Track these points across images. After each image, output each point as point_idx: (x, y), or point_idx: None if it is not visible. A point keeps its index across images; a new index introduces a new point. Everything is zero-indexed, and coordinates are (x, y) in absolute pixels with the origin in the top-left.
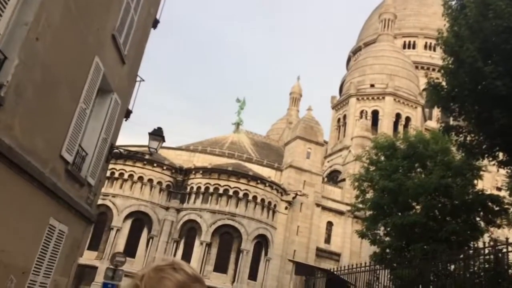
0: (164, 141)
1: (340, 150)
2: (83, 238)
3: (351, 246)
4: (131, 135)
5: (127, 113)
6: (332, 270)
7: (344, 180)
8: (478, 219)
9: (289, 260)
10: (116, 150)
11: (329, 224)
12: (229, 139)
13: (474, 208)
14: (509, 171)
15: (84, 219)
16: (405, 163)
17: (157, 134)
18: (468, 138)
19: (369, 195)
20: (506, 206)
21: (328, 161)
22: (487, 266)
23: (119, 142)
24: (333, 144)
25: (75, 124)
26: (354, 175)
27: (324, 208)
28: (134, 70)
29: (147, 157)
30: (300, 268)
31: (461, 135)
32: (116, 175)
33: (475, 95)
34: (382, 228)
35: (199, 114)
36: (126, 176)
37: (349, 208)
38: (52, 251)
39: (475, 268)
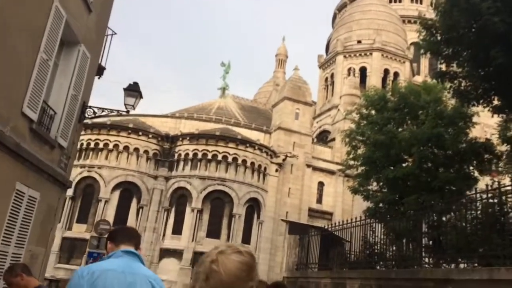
0: (141, 97)
1: (329, 109)
2: (59, 204)
3: (343, 205)
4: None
5: (100, 70)
6: (326, 227)
7: (334, 139)
8: (471, 168)
9: (282, 220)
10: (90, 109)
11: (320, 184)
12: (215, 104)
13: (467, 157)
14: (503, 117)
15: (58, 184)
16: (397, 115)
17: (133, 90)
18: (463, 84)
19: (360, 151)
20: (497, 152)
21: (317, 122)
22: (490, 210)
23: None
24: (321, 104)
25: (36, 76)
26: (345, 131)
27: (315, 168)
28: (103, 21)
29: (130, 125)
30: (294, 228)
31: (455, 81)
32: (101, 145)
33: (471, 35)
34: (375, 184)
35: (183, 81)
36: (111, 146)
37: (339, 167)
38: (23, 219)
39: (477, 213)
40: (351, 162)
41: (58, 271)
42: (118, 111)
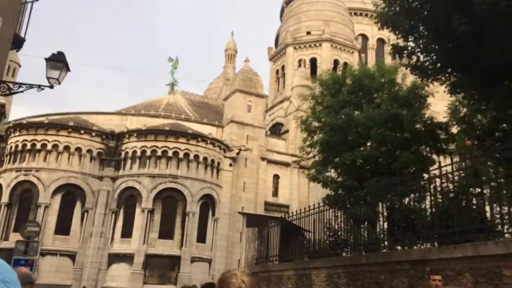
0: (68, 69)
1: (281, 102)
2: None
3: (299, 197)
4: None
5: (18, 41)
6: (285, 217)
7: (287, 131)
8: (427, 149)
9: (239, 213)
10: (3, 85)
11: (276, 177)
12: (164, 100)
13: (424, 138)
14: (457, 96)
15: None
16: (352, 98)
17: (57, 60)
18: (421, 59)
19: (316, 137)
20: (452, 133)
21: (269, 115)
22: (465, 182)
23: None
24: (273, 96)
25: None
26: (301, 117)
27: (270, 161)
28: None
29: (71, 123)
30: (252, 220)
31: (413, 56)
32: (38, 146)
33: (429, 4)
34: (333, 171)
35: (128, 83)
36: (49, 146)
37: (294, 159)
38: None
39: (454, 185)
40: (308, 149)
41: None
42: (39, 86)
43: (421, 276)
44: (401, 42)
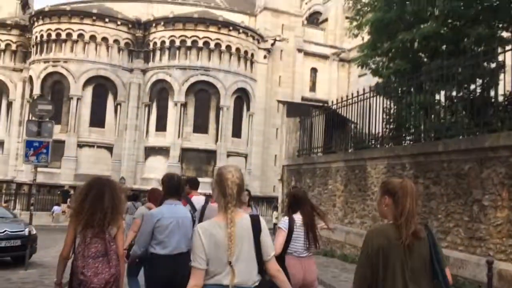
0: None
1: None
2: None
3: (338, 92)
4: None
5: None
6: (330, 105)
7: (326, 20)
8: (503, 26)
9: (278, 101)
10: None
11: (313, 70)
12: None
13: (499, 14)
14: None
15: None
16: None
17: None
18: None
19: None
20: None
21: (306, 3)
22: None
23: None
24: None
25: None
26: None
27: (307, 53)
28: None
29: (94, 11)
30: (292, 109)
31: None
32: (63, 36)
33: None
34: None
35: None
36: (75, 36)
37: (334, 51)
38: None
39: None
40: (355, 32)
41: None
42: None
43: None
44: None
